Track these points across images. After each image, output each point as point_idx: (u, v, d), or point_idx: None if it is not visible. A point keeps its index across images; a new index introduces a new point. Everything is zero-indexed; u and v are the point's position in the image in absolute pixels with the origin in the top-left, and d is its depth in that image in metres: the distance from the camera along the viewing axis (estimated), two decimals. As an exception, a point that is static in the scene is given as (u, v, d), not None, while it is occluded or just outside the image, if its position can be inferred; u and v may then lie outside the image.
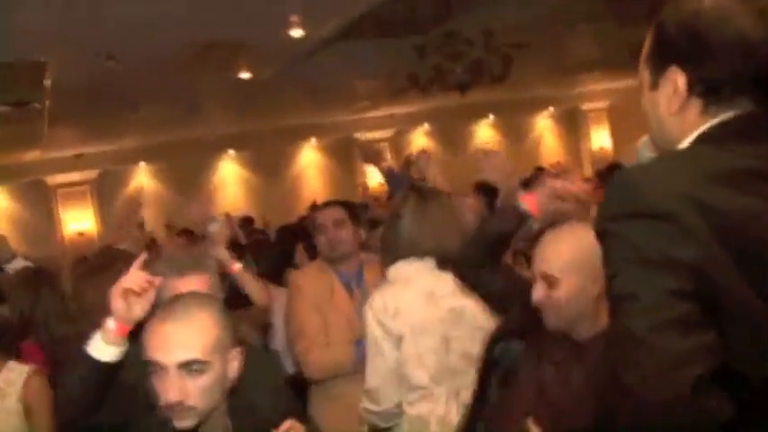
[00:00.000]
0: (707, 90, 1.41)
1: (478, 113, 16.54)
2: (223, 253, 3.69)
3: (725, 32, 1.37)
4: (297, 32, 7.27)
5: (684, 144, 1.44)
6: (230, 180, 15.26)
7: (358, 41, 9.07)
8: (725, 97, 1.40)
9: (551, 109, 17.76)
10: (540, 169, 11.64)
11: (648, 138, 1.68)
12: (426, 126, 16.40)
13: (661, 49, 1.47)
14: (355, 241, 3.73)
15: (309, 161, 15.86)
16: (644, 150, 1.72)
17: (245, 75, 8.93)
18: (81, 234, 13.74)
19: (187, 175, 14.56)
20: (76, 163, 13.33)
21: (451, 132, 16.68)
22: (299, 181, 15.68)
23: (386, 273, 2.92)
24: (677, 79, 1.43)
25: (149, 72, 8.24)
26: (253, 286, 3.75)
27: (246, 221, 10.82)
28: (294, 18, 6.94)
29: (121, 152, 13.71)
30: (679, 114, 1.46)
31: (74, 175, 13.62)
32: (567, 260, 2.11)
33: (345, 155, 15.82)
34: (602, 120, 18.07)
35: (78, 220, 13.87)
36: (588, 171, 17.52)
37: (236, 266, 3.72)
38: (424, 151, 5.08)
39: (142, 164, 14.37)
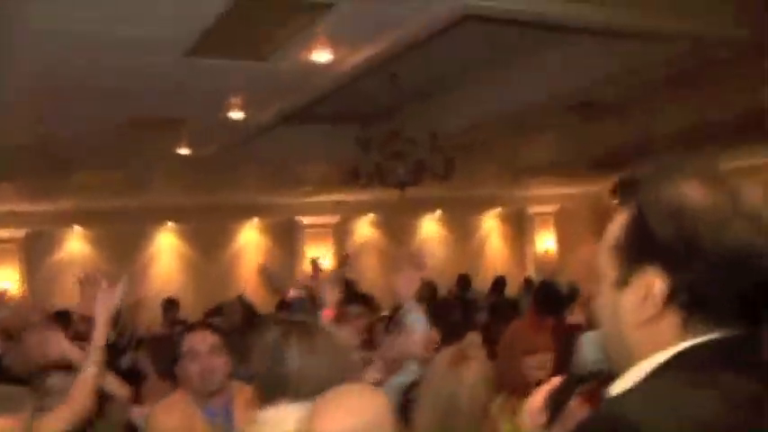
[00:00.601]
0: (691, 302, 1.16)
1: (426, 207, 16.47)
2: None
3: (722, 237, 1.15)
4: (237, 114, 7.11)
5: (652, 362, 1.18)
6: (166, 252, 14.82)
7: (303, 126, 8.98)
8: (712, 313, 1.16)
9: (499, 209, 17.79)
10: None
11: (595, 336, 1.41)
12: (372, 216, 16.24)
13: (639, 244, 1.21)
14: (227, 371, 3.36)
15: (249, 240, 15.54)
16: (588, 349, 1.45)
17: (184, 151, 8.72)
18: (3, 293, 13.17)
19: (122, 243, 14.12)
20: (5, 220, 12.88)
21: (397, 225, 16.54)
22: (237, 260, 15.32)
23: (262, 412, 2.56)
24: (655, 284, 1.17)
25: (85, 140, 8.03)
26: (108, 382, 3.45)
27: (170, 304, 10.36)
28: (234, 100, 6.78)
29: (55, 213, 13.29)
30: (649, 325, 1.19)
31: (1, 233, 13.12)
32: (345, 428, 1.87)
33: (288, 237, 15.56)
34: (548, 223, 18.13)
35: (1, 279, 13.31)
36: (532, 274, 17.53)
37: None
38: (347, 256, 4.94)
39: (76, 227, 13.92)
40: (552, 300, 6.54)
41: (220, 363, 3.32)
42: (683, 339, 1.16)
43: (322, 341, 2.53)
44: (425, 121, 7.86)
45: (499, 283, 13.04)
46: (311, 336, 2.54)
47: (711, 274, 1.14)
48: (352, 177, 7.63)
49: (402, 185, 7.61)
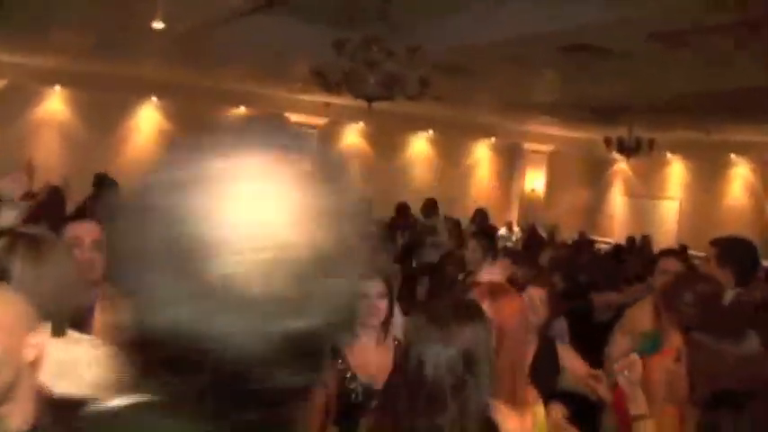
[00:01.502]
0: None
1: (419, 125, 16.07)
2: None
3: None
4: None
5: None
6: (147, 127, 14.47)
7: (291, 22, 8.51)
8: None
9: (493, 139, 17.37)
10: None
11: None
12: (362, 125, 15.82)
13: None
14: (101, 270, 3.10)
15: (234, 129, 15.12)
16: None
17: (158, 24, 8.27)
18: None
19: (103, 110, 13.73)
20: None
21: (386, 137, 16.16)
22: (219, 146, 14.95)
23: None
24: None
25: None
26: None
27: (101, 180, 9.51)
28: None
29: (36, 69, 12.86)
30: None
31: (-23, 81, 12.76)
32: None
33: (273, 132, 15.14)
34: (540, 162, 17.79)
35: None
36: (515, 210, 17.27)
37: None
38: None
39: (58, 87, 13.49)
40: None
41: (100, 258, 3.09)
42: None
43: (51, 254, 2.30)
44: (412, 34, 7.39)
45: (480, 216, 12.64)
46: (39, 248, 2.30)
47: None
48: (320, 80, 7.18)
49: (370, 98, 7.17)
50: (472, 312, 2.19)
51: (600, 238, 16.63)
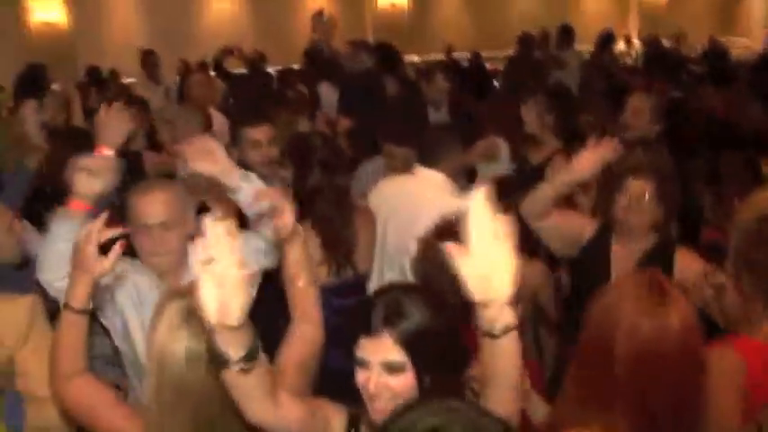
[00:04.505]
0: None
1: None
2: None
3: None
4: None
5: None
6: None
7: None
8: None
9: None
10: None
11: None
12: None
13: None
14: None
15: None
16: None
17: None
18: (48, 25, 12.13)
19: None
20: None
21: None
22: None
23: None
24: None
25: None
26: None
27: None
28: None
29: None
30: None
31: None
32: None
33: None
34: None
35: (46, 9, 12.19)
36: (634, 20, 15.53)
37: None
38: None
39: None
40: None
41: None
42: None
43: None
44: None
45: (606, 39, 10.36)
46: None
47: None
48: None
49: None
50: None
51: (736, 40, 14.72)
